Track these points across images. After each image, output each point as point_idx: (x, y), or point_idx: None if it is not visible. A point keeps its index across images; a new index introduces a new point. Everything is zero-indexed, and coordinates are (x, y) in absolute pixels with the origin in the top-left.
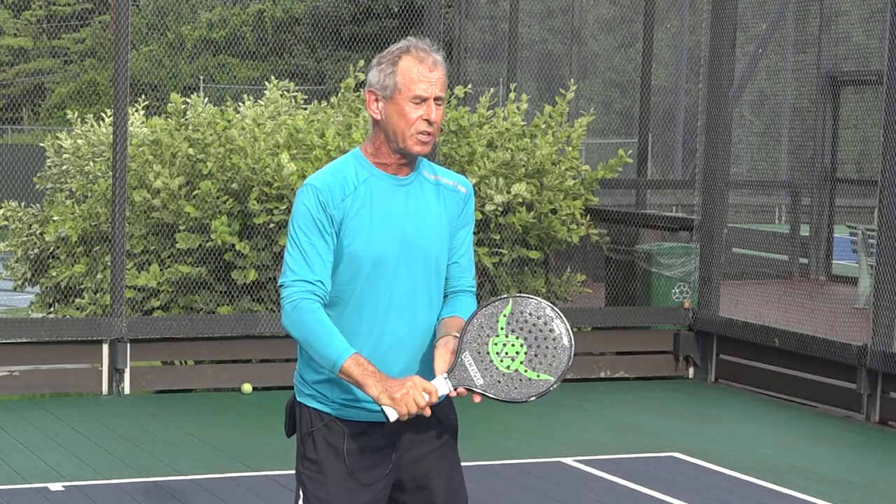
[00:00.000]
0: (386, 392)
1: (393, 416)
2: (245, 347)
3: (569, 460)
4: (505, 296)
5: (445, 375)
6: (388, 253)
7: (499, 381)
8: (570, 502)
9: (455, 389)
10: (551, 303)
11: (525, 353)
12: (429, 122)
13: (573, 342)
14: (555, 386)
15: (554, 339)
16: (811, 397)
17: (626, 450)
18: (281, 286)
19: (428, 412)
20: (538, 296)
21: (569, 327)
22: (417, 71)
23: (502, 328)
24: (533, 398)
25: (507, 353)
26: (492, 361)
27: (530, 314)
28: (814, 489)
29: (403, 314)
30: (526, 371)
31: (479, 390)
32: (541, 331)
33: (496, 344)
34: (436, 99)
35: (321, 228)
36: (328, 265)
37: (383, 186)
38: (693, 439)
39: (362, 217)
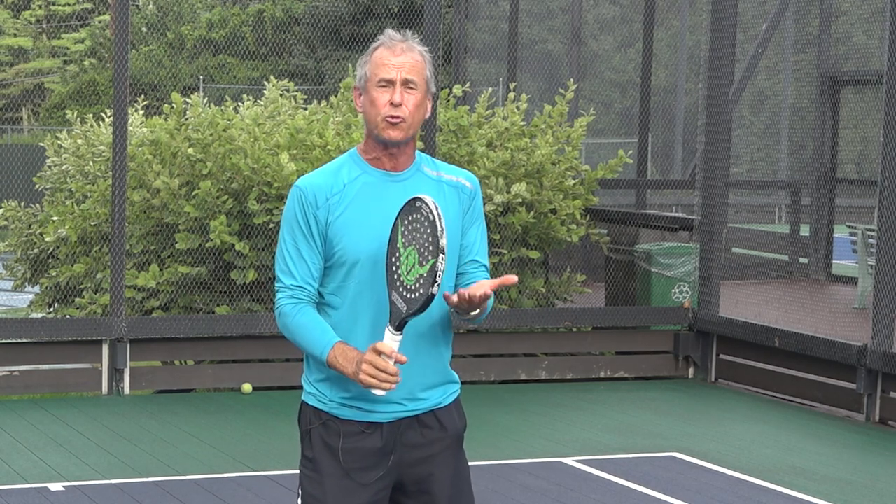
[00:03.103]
0: (355, 376)
1: (377, 392)
2: (245, 347)
3: (569, 460)
4: (394, 218)
5: (388, 326)
6: (380, 250)
7: (413, 295)
8: (570, 502)
9: (396, 332)
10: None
11: (417, 255)
12: (394, 104)
13: (439, 214)
14: (440, 264)
15: (426, 222)
16: (811, 397)
17: (626, 450)
18: (275, 293)
19: (392, 370)
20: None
21: (434, 203)
22: (384, 56)
23: (401, 246)
24: (432, 290)
25: (409, 265)
26: (405, 282)
27: (412, 216)
28: (814, 489)
29: None
30: (421, 269)
31: (406, 316)
32: (419, 223)
33: (403, 263)
34: (405, 83)
35: (305, 230)
36: (314, 267)
37: (375, 183)
38: (693, 439)
39: (351, 215)
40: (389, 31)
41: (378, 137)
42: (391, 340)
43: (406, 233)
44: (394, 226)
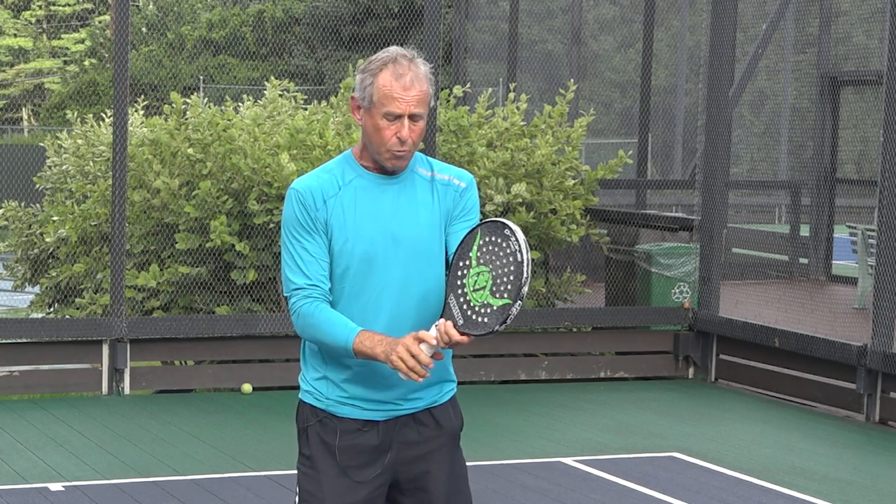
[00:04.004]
0: (386, 356)
1: (402, 376)
2: (245, 347)
3: (569, 460)
4: (474, 226)
5: (437, 322)
6: (376, 251)
7: (473, 317)
8: (570, 502)
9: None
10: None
11: (491, 281)
12: (401, 140)
13: (528, 258)
14: (515, 309)
15: (511, 257)
16: (811, 397)
17: (626, 450)
18: (286, 298)
19: (429, 362)
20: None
21: (525, 242)
22: (393, 87)
23: (475, 259)
24: (498, 327)
25: (478, 285)
26: (468, 298)
27: (495, 239)
28: (814, 489)
29: (396, 311)
30: (492, 299)
31: (461, 330)
32: (502, 251)
33: (471, 276)
34: (411, 116)
35: (309, 230)
36: (323, 264)
37: (369, 186)
38: (693, 439)
39: (347, 217)
40: (397, 51)
41: (381, 165)
42: (433, 332)
43: (484, 250)
44: (472, 232)
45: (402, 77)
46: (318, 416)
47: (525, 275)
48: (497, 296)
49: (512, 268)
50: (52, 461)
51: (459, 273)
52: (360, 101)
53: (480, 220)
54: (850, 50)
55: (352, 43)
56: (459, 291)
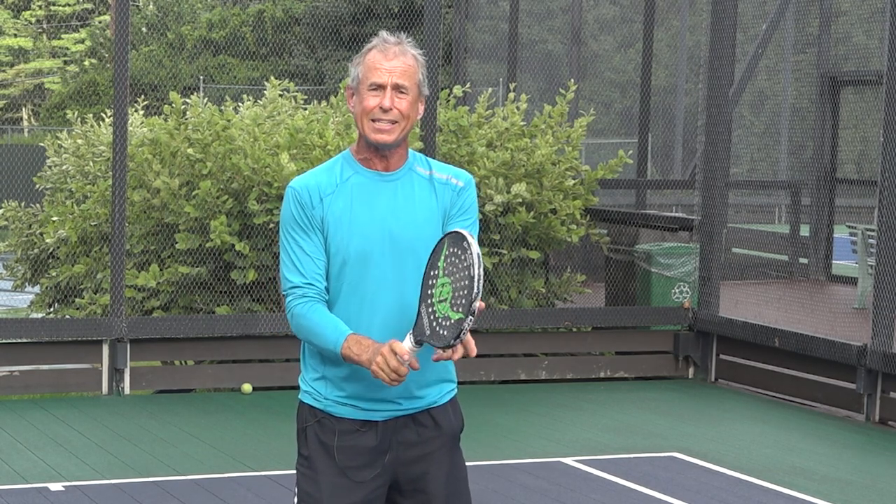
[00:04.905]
0: (369, 363)
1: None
2: (245, 347)
3: (569, 460)
4: (443, 235)
5: (411, 332)
6: (372, 248)
7: (437, 329)
8: (570, 502)
9: (415, 346)
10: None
11: (451, 293)
12: (383, 108)
13: (479, 273)
14: (467, 324)
15: (466, 271)
16: (811, 397)
17: (626, 450)
18: (283, 296)
19: (405, 371)
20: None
21: (479, 256)
22: (376, 59)
23: (442, 269)
24: (454, 342)
25: (442, 296)
26: (434, 308)
27: (456, 250)
28: (814, 489)
29: (393, 309)
30: (451, 312)
31: (427, 341)
32: (461, 263)
33: (438, 287)
34: (396, 87)
35: (305, 228)
36: (319, 262)
37: (367, 183)
38: (693, 439)
39: (344, 214)
40: (384, 34)
41: (368, 141)
42: (410, 346)
43: (449, 261)
44: (441, 241)
45: (386, 51)
46: (316, 416)
47: (476, 290)
48: (454, 309)
49: (466, 282)
50: (52, 461)
51: (430, 282)
52: (351, 85)
53: (447, 232)
54: (850, 50)
55: (352, 43)
56: (429, 301)
